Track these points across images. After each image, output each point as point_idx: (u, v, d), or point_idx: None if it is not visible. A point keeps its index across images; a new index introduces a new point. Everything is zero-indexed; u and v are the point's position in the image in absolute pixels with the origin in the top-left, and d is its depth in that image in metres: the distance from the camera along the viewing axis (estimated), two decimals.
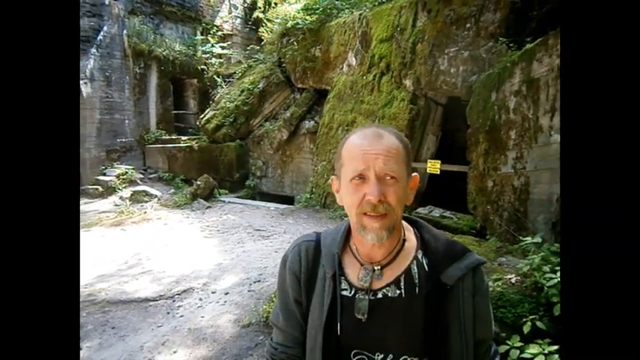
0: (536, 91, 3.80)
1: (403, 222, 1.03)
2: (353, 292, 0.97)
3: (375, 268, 0.98)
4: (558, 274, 2.54)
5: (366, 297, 0.95)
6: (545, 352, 2.25)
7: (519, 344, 2.33)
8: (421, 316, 0.93)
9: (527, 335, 2.38)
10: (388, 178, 0.89)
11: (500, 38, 4.60)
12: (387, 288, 0.96)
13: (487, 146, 4.45)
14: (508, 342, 2.35)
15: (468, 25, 5.07)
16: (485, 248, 3.47)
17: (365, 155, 0.90)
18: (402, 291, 0.95)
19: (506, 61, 4.27)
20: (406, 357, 0.93)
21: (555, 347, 2.26)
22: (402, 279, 0.96)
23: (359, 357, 0.96)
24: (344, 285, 0.98)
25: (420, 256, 0.99)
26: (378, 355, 0.94)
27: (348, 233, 1.03)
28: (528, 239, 3.12)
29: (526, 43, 4.06)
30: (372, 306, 0.95)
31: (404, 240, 1.01)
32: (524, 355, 2.27)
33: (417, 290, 0.95)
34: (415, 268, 0.97)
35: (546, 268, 2.64)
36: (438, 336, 0.92)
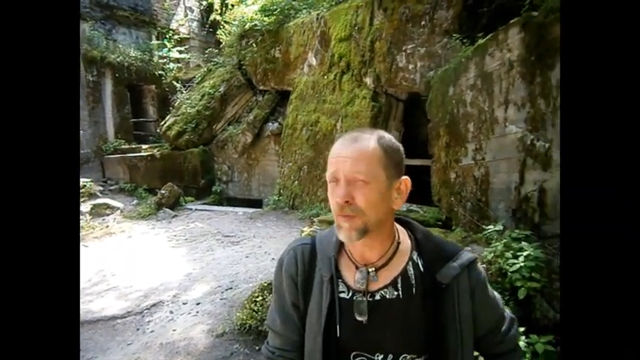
0: (490, 85, 3.95)
1: (396, 224, 1.05)
2: (350, 295, 0.98)
3: (370, 270, 0.99)
4: (520, 259, 2.65)
5: (365, 299, 0.97)
6: None
7: None
8: (419, 316, 0.95)
9: None
10: (358, 181, 0.90)
11: (454, 34, 4.75)
12: (385, 290, 0.97)
13: (448, 139, 4.58)
14: None
15: (422, 23, 5.20)
16: (451, 239, 3.57)
17: (337, 159, 0.93)
18: (400, 292, 0.97)
19: (460, 57, 4.41)
20: (405, 355, 0.95)
21: (521, 329, 2.36)
22: (399, 280, 0.98)
23: (359, 358, 0.97)
24: (341, 287, 0.99)
25: (415, 257, 1.01)
26: (377, 356, 0.96)
27: None
28: (491, 227, 3.25)
29: (478, 39, 4.21)
30: (371, 308, 0.96)
31: (398, 242, 1.02)
32: None
33: (413, 291, 0.97)
34: (411, 269, 0.99)
35: (509, 254, 2.75)
36: (436, 334, 0.95)
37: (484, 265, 2.90)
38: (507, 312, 1.13)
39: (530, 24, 3.46)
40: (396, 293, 0.97)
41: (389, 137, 0.99)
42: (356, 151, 0.92)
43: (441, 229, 4.25)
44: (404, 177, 0.98)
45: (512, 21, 3.67)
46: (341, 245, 1.03)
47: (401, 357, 0.96)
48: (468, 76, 4.24)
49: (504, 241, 2.91)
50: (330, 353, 0.96)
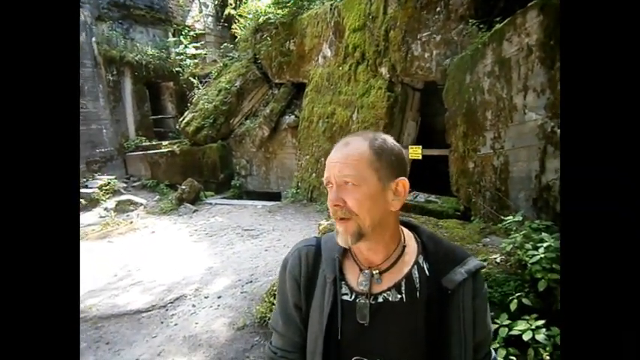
0: (509, 71, 3.84)
1: (403, 228, 1.04)
2: (353, 297, 0.98)
3: (374, 272, 0.98)
4: (540, 250, 2.59)
5: (367, 301, 0.96)
6: (533, 327, 2.31)
7: (507, 322, 2.38)
8: (422, 321, 0.93)
9: (515, 312, 2.44)
10: (348, 184, 0.91)
11: (470, 20, 4.62)
12: (388, 292, 0.96)
13: (465, 128, 4.50)
14: (497, 321, 2.40)
15: (437, 9, 5.08)
16: (470, 230, 3.52)
17: (329, 164, 0.95)
18: (403, 295, 0.96)
19: (477, 43, 4.30)
20: None
21: (542, 322, 2.32)
22: (403, 284, 0.97)
23: None
24: (344, 289, 0.99)
25: (420, 261, 1.00)
26: None
27: None
28: (510, 218, 3.18)
29: (495, 24, 4.09)
30: (373, 310, 0.95)
31: (404, 245, 1.01)
32: (512, 332, 2.34)
33: (417, 295, 0.96)
34: (416, 272, 0.98)
35: (528, 246, 2.69)
36: (439, 340, 0.93)
37: (503, 257, 2.86)
38: (493, 352, 1.09)
39: (548, 6, 3.34)
40: (399, 296, 0.96)
41: (384, 139, 0.96)
42: (344, 155, 0.93)
43: (460, 219, 4.19)
44: (401, 178, 0.95)
45: (530, 4, 3.54)
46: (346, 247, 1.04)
47: None
48: (486, 62, 4.14)
49: (524, 232, 2.85)
50: (330, 356, 0.95)
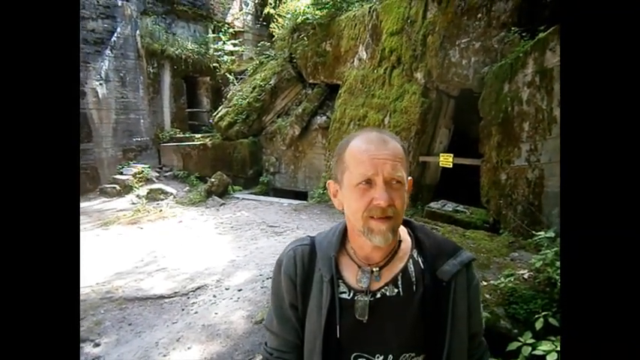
0: (550, 82, 3.71)
1: None
2: (352, 295, 0.97)
3: (374, 269, 0.98)
4: None
5: (366, 298, 0.96)
6: (558, 348, 2.21)
7: (531, 341, 2.29)
8: (419, 313, 0.94)
9: (540, 332, 2.34)
10: (395, 182, 0.90)
11: (513, 28, 4.49)
12: (385, 288, 0.97)
13: (500, 139, 4.38)
14: (520, 339, 2.32)
15: (479, 15, 4.97)
16: (498, 243, 3.42)
17: (373, 160, 0.90)
18: (400, 290, 0.97)
19: (518, 51, 4.17)
20: (405, 355, 0.94)
21: None
22: (399, 278, 0.98)
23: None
24: (342, 288, 0.98)
25: (415, 255, 1.01)
26: (378, 357, 0.95)
27: (343, 236, 1.03)
28: (542, 234, 3.06)
29: (539, 32, 3.96)
30: (372, 307, 0.95)
31: (399, 241, 1.01)
32: (536, 352, 2.24)
33: (414, 288, 0.97)
34: (412, 266, 0.99)
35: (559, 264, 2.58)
36: (436, 331, 0.94)
37: (531, 273, 2.76)
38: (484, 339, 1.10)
39: None
40: (396, 290, 0.96)
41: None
42: (393, 153, 0.91)
43: (488, 232, 4.08)
44: (409, 177, 0.98)
45: None
46: (341, 245, 1.03)
47: (401, 357, 0.94)
48: (526, 72, 4.02)
49: (556, 249, 2.73)
50: (329, 354, 0.95)
